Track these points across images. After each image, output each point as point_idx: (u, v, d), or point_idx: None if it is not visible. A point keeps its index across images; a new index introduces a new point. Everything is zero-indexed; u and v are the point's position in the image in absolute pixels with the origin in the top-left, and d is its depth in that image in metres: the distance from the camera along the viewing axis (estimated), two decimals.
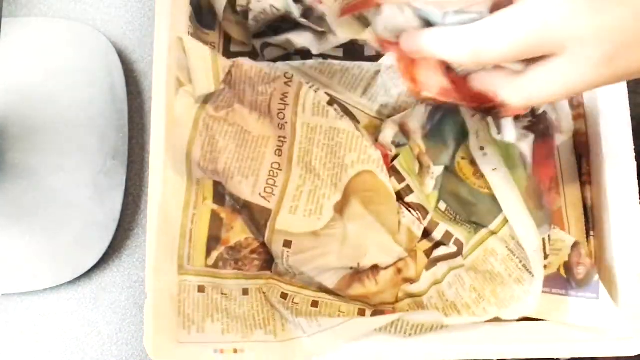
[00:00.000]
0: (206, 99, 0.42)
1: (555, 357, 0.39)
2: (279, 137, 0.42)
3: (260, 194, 0.41)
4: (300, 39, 0.44)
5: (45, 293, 0.48)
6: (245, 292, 0.42)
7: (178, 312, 0.40)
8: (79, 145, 0.48)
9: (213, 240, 0.42)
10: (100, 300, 0.48)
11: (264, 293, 0.42)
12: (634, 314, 0.39)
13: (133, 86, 0.51)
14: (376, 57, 0.48)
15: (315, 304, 0.42)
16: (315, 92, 0.43)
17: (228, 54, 0.48)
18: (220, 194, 0.42)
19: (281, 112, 0.42)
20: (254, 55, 0.47)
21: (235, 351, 0.39)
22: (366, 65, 0.44)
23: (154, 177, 0.39)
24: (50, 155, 0.48)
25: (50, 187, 0.47)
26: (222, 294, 0.41)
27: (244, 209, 0.42)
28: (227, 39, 0.48)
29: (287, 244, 0.40)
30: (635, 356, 0.39)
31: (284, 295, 0.42)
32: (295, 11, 0.43)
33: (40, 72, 0.49)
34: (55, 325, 0.47)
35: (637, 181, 0.40)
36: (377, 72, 0.44)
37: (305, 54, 0.46)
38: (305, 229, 0.40)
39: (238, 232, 0.42)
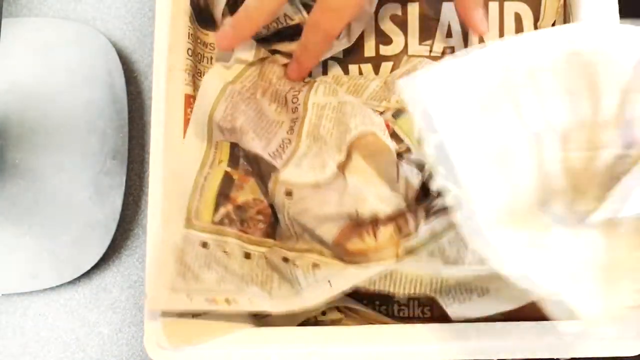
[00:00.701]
0: (235, 79, 0.45)
1: (555, 357, 0.39)
2: (292, 119, 0.45)
3: (269, 154, 0.43)
4: None
5: (45, 293, 0.48)
6: (247, 255, 0.43)
7: (179, 261, 0.40)
8: (79, 145, 0.48)
9: (222, 197, 0.43)
10: (100, 300, 0.48)
11: (266, 258, 0.42)
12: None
13: (133, 86, 0.51)
14: (375, 58, 0.48)
15: (316, 266, 0.42)
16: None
17: (227, 56, 0.48)
18: (235, 156, 0.44)
19: (295, 97, 0.44)
20: None
21: (228, 302, 0.39)
22: (371, 76, 0.47)
23: (154, 176, 0.40)
24: (50, 155, 0.48)
25: (50, 187, 0.47)
26: (224, 251, 0.42)
27: (254, 164, 0.43)
28: None
29: (289, 193, 0.42)
30: (635, 356, 0.39)
31: (285, 259, 0.42)
32: None
33: (40, 72, 0.49)
34: (55, 325, 0.47)
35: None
36: (384, 82, 0.46)
37: None
38: (307, 179, 0.42)
39: (247, 193, 0.44)
